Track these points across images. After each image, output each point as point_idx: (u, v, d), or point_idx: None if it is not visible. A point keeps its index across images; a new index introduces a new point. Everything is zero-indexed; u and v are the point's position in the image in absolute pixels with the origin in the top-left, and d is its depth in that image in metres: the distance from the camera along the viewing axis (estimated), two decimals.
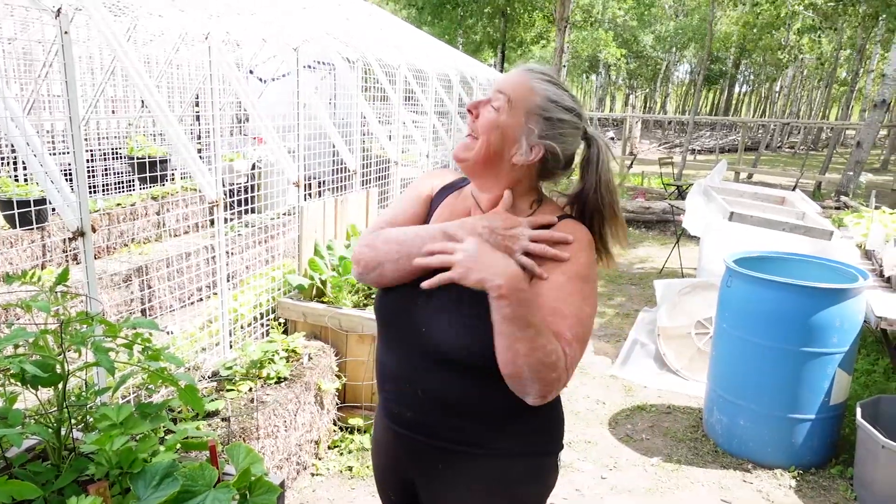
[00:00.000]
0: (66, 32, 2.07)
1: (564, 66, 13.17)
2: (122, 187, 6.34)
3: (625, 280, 6.80)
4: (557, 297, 1.22)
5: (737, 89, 43.09)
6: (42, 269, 4.60)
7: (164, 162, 6.00)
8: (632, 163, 14.09)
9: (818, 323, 3.08)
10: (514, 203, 1.33)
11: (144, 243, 5.51)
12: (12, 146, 5.69)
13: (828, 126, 25.87)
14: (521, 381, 1.17)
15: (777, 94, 37.83)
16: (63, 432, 1.90)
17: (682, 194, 10.91)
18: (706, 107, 44.20)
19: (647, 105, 43.45)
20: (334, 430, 3.37)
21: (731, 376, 3.42)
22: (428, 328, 1.28)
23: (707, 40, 16.61)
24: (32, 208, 3.35)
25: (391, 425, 1.40)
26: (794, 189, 8.93)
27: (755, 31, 21.55)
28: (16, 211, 2.99)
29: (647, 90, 42.55)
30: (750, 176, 15.51)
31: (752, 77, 41.30)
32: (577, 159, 1.38)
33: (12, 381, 1.82)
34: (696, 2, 30.23)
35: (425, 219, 1.44)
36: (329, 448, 3.29)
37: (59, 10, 2.06)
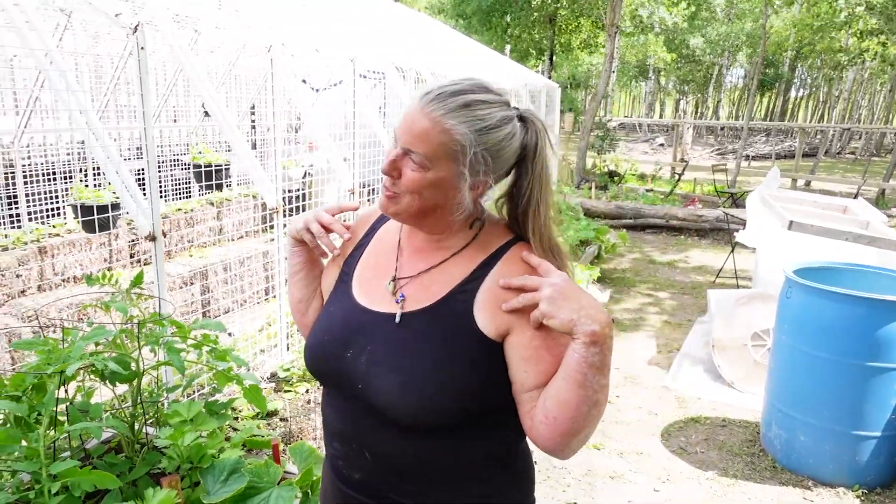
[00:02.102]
0: (142, 48, 2.18)
1: (614, 71, 13.03)
2: (182, 193, 6.59)
3: (676, 289, 6.67)
4: (563, 344, 1.05)
5: (793, 93, 41.76)
6: (108, 271, 4.82)
7: (226, 169, 6.22)
8: (683, 169, 13.81)
9: (885, 337, 2.96)
10: (452, 230, 1.16)
11: (204, 247, 5.71)
12: (80, 154, 5.99)
13: (891, 131, 24.80)
14: (579, 438, 1.04)
15: (836, 98, 36.50)
16: (136, 427, 2.00)
17: (736, 202, 10.65)
18: (760, 112, 42.97)
19: (699, 111, 42.51)
20: None
21: (791, 390, 3.32)
22: (365, 385, 1.10)
23: (761, 43, 16.19)
24: (110, 214, 3.54)
25: (340, 485, 1.22)
26: (855, 197, 8.60)
27: (811, 33, 20.88)
28: (95, 217, 3.16)
29: (699, 95, 41.65)
30: (808, 183, 15.00)
31: (809, 81, 39.97)
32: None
33: (91, 376, 1.92)
34: (749, 4, 29.48)
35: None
36: None
37: (136, 27, 2.17)
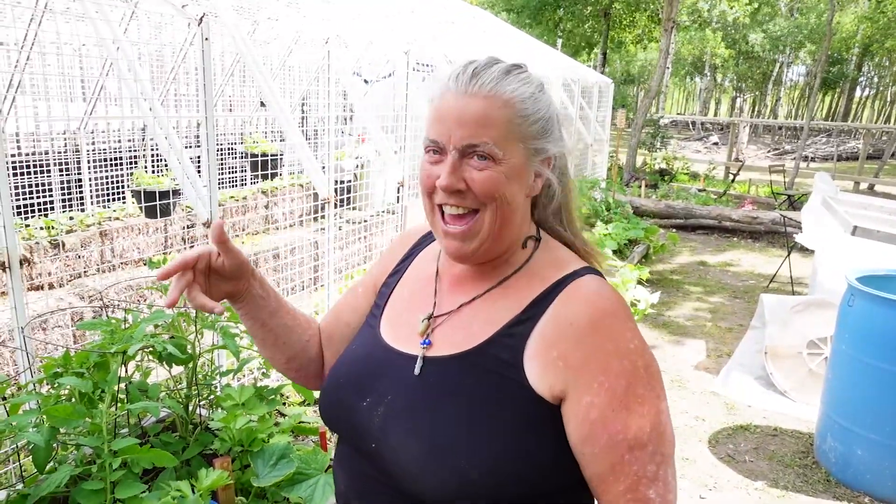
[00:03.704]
0: (206, 38, 2.22)
1: (668, 67, 12.72)
2: (236, 182, 6.76)
3: (727, 293, 6.49)
4: (627, 419, 0.80)
5: (858, 92, 40.01)
6: (166, 255, 4.98)
7: (280, 158, 6.35)
8: (739, 169, 13.41)
9: None
10: (503, 253, 0.94)
11: (256, 234, 5.84)
12: (142, 141, 6.19)
13: None
14: None
15: None
16: (190, 408, 2.06)
17: (793, 204, 10.28)
18: (822, 111, 41.33)
19: (756, 109, 41.15)
20: None
21: (850, 402, 3.19)
22: (380, 445, 0.88)
23: (826, 40, 15.54)
24: (171, 200, 3.67)
25: None
26: None
27: (881, 29, 19.93)
28: (157, 203, 3.27)
29: (757, 93, 40.31)
30: (871, 187, 14.36)
31: (876, 79, 38.21)
32: None
33: (149, 357, 1.99)
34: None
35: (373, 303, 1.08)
36: None
37: (201, 18, 2.22)
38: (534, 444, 0.83)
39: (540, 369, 0.83)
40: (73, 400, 1.67)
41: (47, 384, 1.72)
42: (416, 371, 0.90)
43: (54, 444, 1.58)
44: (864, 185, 14.23)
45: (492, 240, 0.89)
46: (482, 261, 0.93)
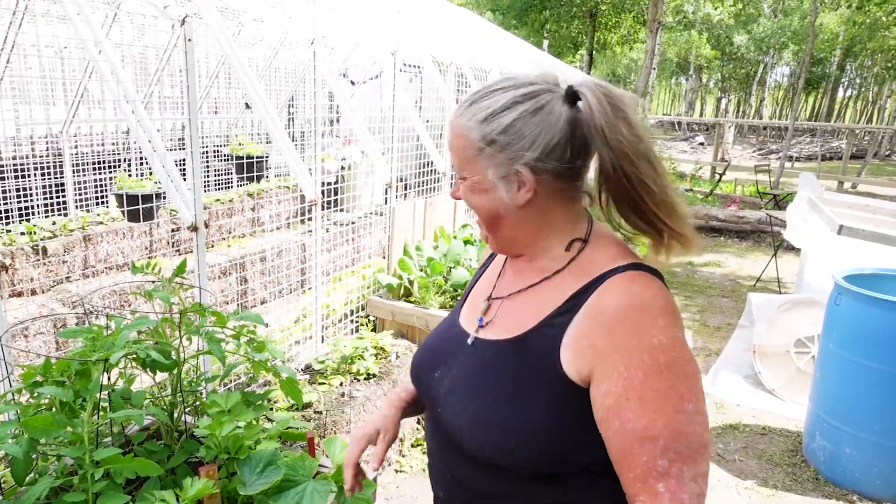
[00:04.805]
0: (189, 39, 2.19)
1: (654, 68, 12.78)
2: (222, 184, 6.69)
3: (715, 292, 6.52)
4: (638, 410, 0.86)
5: (840, 93, 40.48)
6: (150, 260, 4.91)
7: (266, 160, 6.30)
8: (725, 169, 13.50)
9: None
10: (540, 252, 1.06)
11: (242, 237, 5.78)
12: (125, 144, 6.12)
13: None
14: None
15: (886, 99, 35.27)
16: (175, 415, 2.02)
17: (778, 204, 10.36)
18: (805, 111, 41.76)
19: (741, 109, 41.51)
20: (417, 429, 3.41)
21: (838, 400, 3.20)
22: (443, 411, 1.07)
23: (809, 41, 15.68)
24: (154, 203, 3.62)
25: (436, 492, 1.19)
26: None
27: (863, 31, 20.16)
28: (140, 206, 3.22)
29: (741, 93, 40.66)
30: (854, 186, 14.52)
31: (858, 80, 38.69)
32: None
33: (133, 364, 1.95)
34: (796, 1, 28.62)
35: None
36: (412, 446, 3.33)
37: (184, 19, 2.18)
38: (563, 421, 0.93)
39: (573, 356, 0.93)
40: (54, 409, 1.63)
41: (27, 393, 1.68)
42: (470, 341, 1.08)
43: (34, 456, 1.54)
44: (847, 185, 14.38)
45: (496, 239, 1.07)
46: (512, 255, 1.11)
